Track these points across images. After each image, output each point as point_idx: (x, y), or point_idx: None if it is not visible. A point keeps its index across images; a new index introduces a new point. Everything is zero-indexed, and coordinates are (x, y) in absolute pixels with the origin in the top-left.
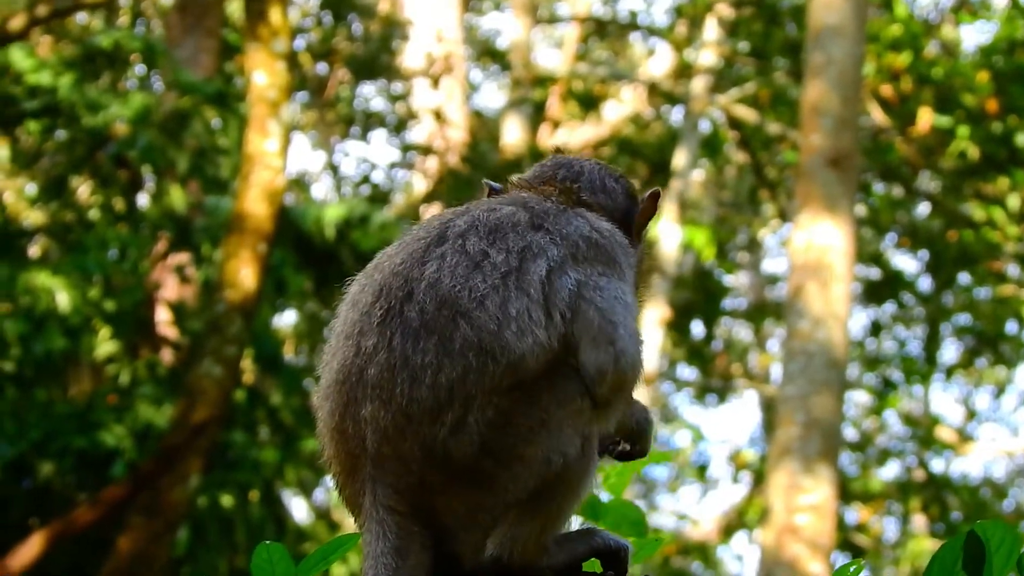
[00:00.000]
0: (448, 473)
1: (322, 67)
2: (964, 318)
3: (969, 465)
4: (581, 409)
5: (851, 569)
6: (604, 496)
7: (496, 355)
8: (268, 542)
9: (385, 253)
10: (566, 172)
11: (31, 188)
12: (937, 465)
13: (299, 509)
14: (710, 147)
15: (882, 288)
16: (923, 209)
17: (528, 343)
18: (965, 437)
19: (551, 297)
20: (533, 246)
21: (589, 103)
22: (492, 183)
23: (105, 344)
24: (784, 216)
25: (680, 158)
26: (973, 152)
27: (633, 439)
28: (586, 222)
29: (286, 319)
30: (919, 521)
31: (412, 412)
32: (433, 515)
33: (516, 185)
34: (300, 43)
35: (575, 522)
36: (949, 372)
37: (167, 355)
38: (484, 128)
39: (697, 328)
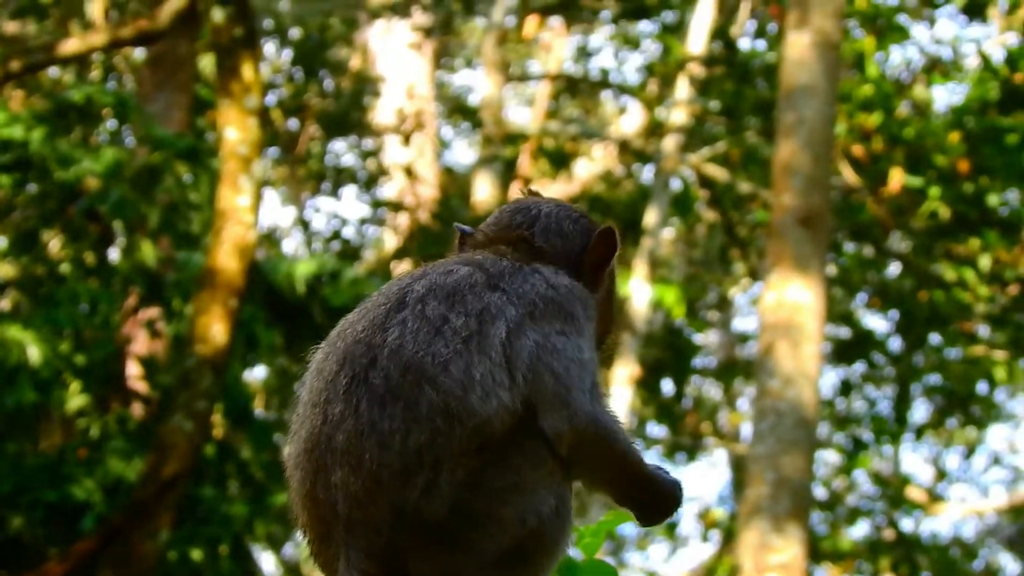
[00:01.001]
0: (420, 535)
1: (293, 123)
2: (934, 378)
3: (939, 525)
4: (554, 470)
5: None
6: (578, 556)
7: (463, 419)
8: None
9: (347, 320)
10: (522, 218)
11: (1, 241)
12: (907, 525)
13: (268, 563)
14: (681, 205)
15: (852, 348)
16: (894, 269)
17: (493, 406)
18: (935, 497)
19: (512, 359)
20: (492, 307)
21: (560, 160)
22: (463, 227)
23: (75, 398)
24: (755, 275)
25: (651, 216)
26: (944, 212)
27: (638, 506)
28: (542, 279)
29: (256, 374)
30: None
31: (382, 477)
32: None
33: (474, 241)
34: (272, 99)
35: None
36: (919, 432)
37: (137, 409)
38: (455, 184)
39: (667, 386)
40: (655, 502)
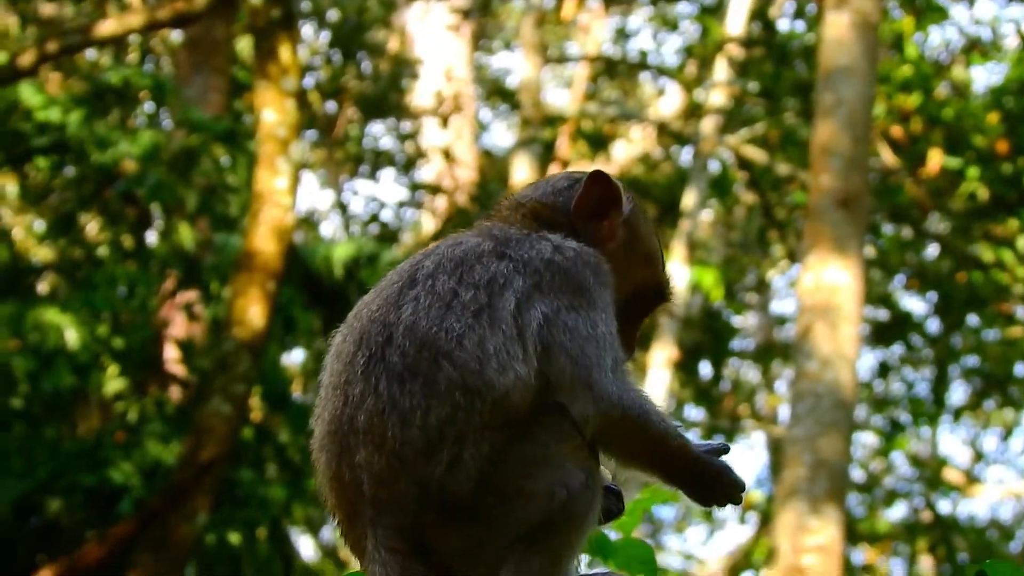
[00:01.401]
0: (445, 510)
1: (331, 105)
2: (972, 360)
3: (976, 507)
4: (581, 444)
5: None
6: (613, 535)
7: (483, 392)
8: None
9: (363, 301)
10: (531, 190)
11: (40, 225)
12: (944, 506)
13: (306, 547)
14: (719, 187)
15: (890, 329)
16: (932, 250)
17: (511, 379)
18: (972, 479)
19: (523, 331)
20: (499, 277)
21: (598, 143)
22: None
23: (113, 381)
24: (793, 257)
25: (689, 198)
26: (983, 193)
27: (687, 488)
28: (549, 244)
29: (294, 357)
30: (926, 562)
31: (405, 454)
32: (434, 553)
33: (491, 215)
34: (309, 81)
35: (585, 562)
36: (957, 414)
37: (175, 392)
38: (493, 167)
39: (705, 369)
40: (703, 484)
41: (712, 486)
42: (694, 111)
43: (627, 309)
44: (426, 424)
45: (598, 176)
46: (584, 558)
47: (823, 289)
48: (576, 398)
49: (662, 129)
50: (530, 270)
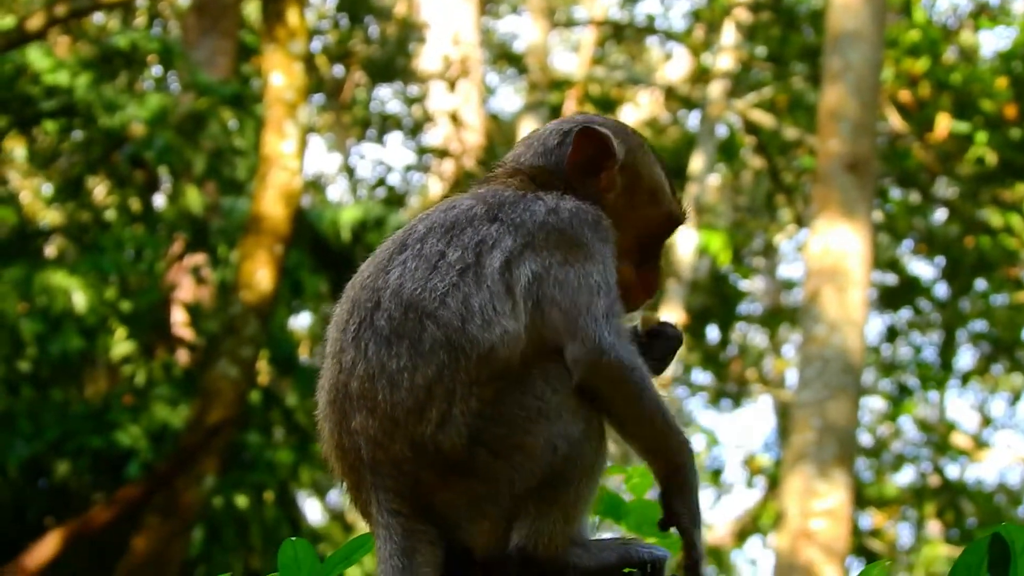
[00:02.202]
0: (441, 468)
1: (339, 69)
2: (980, 324)
3: (984, 471)
4: (576, 396)
5: (875, 571)
6: (626, 496)
7: (467, 349)
8: (294, 538)
9: (360, 269)
10: (523, 148)
11: (47, 188)
12: (952, 471)
13: (313, 510)
14: (727, 152)
15: (898, 294)
16: (940, 215)
17: (496, 334)
18: (980, 443)
19: (512, 287)
20: (488, 239)
21: (606, 107)
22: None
23: (121, 344)
24: (800, 221)
25: (697, 162)
26: (991, 158)
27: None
28: (543, 205)
29: (302, 321)
30: (934, 527)
31: (397, 416)
32: (435, 511)
33: (489, 177)
34: (317, 45)
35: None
36: (965, 378)
37: (183, 356)
38: (500, 131)
39: (712, 333)
40: (662, 451)
41: (673, 455)
42: (701, 75)
43: (643, 247)
44: (414, 384)
45: (586, 132)
46: (595, 520)
47: (831, 253)
48: (566, 344)
49: (669, 93)
50: (522, 232)
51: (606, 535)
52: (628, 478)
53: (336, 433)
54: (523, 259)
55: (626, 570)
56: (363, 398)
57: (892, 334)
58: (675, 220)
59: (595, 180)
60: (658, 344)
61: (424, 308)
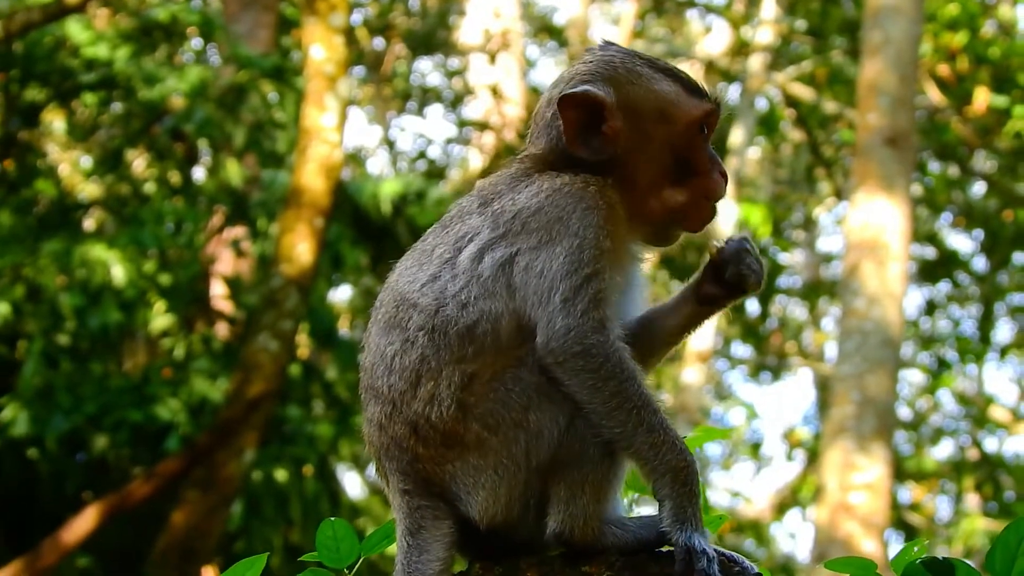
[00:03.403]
0: (436, 443)
1: (379, 42)
2: (1019, 298)
3: (1022, 445)
4: None
5: (914, 550)
6: None
7: (446, 329)
8: (333, 518)
9: None
10: (533, 126)
11: (87, 161)
12: (990, 444)
13: (353, 484)
14: (767, 125)
15: (937, 267)
16: (979, 189)
17: (473, 312)
18: (1019, 417)
19: (483, 273)
20: (469, 232)
21: None
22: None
23: (160, 318)
24: (840, 195)
25: (737, 136)
26: None
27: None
28: (530, 189)
29: (342, 294)
30: (972, 500)
31: (394, 398)
32: (437, 486)
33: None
34: (357, 18)
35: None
36: (1003, 352)
37: (222, 329)
38: None
39: (752, 306)
40: (637, 451)
41: (662, 476)
42: (741, 49)
43: (685, 160)
44: (404, 367)
45: (564, 101)
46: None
47: (870, 227)
48: (537, 333)
49: (710, 67)
50: (501, 220)
51: (644, 511)
52: None
53: (364, 424)
54: (494, 247)
55: (664, 548)
56: (371, 387)
57: (931, 307)
58: (699, 119)
59: (600, 137)
60: (730, 270)
61: (409, 298)
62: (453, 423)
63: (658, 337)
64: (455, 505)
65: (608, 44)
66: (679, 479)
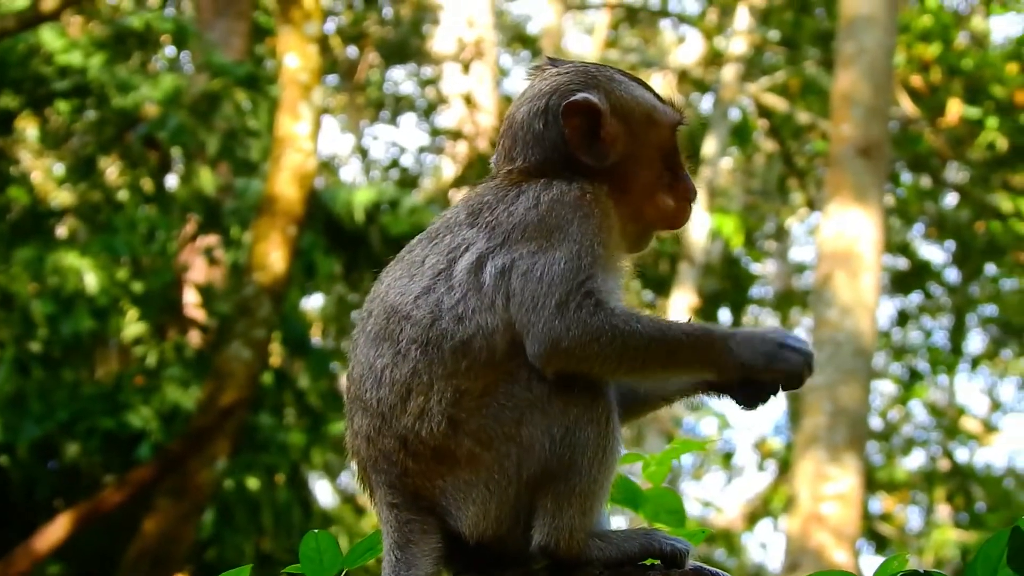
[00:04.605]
0: (426, 458)
1: (353, 51)
2: (990, 309)
3: (993, 455)
4: (572, 384)
5: (895, 563)
6: (643, 484)
7: (440, 343)
8: (316, 531)
9: None
10: (511, 140)
11: (60, 168)
12: (962, 455)
13: (325, 492)
14: (740, 135)
15: (909, 278)
16: (951, 200)
17: (469, 327)
18: (990, 427)
19: (483, 285)
20: (463, 244)
21: None
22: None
23: (133, 325)
24: (813, 205)
25: (709, 146)
26: (1002, 143)
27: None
28: (525, 200)
29: (314, 302)
30: (943, 511)
31: (383, 412)
32: (426, 500)
33: (485, 179)
34: (331, 26)
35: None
36: (975, 362)
37: (195, 337)
38: None
39: (724, 316)
40: (690, 368)
41: (748, 360)
42: (714, 59)
43: (667, 165)
44: (394, 381)
45: (570, 108)
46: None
47: (843, 237)
48: (527, 341)
49: (683, 77)
50: (498, 231)
51: (624, 524)
52: (645, 466)
53: (348, 436)
54: (494, 256)
55: (648, 561)
56: (359, 399)
57: (903, 318)
58: (677, 124)
59: (599, 142)
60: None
61: (401, 311)
62: (444, 439)
63: (653, 397)
64: (444, 519)
65: (556, 61)
66: (731, 347)
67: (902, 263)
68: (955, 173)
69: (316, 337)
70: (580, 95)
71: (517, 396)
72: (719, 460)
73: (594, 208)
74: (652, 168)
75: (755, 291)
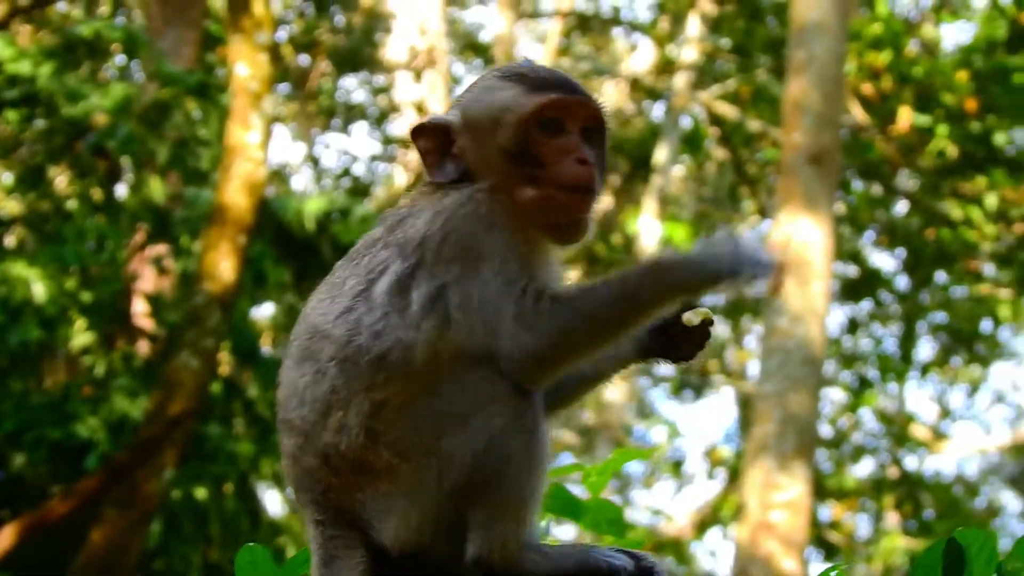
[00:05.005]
0: (347, 472)
1: (304, 59)
2: (940, 316)
3: (942, 463)
4: (498, 395)
5: (832, 574)
6: (583, 494)
7: (357, 359)
8: (252, 544)
9: None
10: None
11: (8, 177)
12: (911, 463)
13: (274, 502)
14: (691, 143)
15: (859, 286)
16: (901, 207)
17: (387, 341)
18: (939, 435)
19: (408, 307)
20: (379, 264)
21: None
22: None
23: (81, 335)
24: (764, 213)
25: (661, 154)
26: (952, 151)
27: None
28: (426, 214)
29: (264, 311)
30: (892, 518)
31: (305, 430)
32: (349, 514)
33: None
34: (282, 35)
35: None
36: (924, 370)
37: (143, 347)
38: None
39: None
40: (657, 303)
41: (716, 264)
42: (666, 67)
43: (535, 157)
44: (315, 398)
45: (415, 133)
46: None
47: (793, 245)
48: (501, 362)
49: (635, 84)
50: (409, 249)
51: (561, 537)
52: (586, 476)
53: (282, 457)
54: (416, 280)
55: None
56: (285, 421)
57: (853, 326)
58: (531, 114)
59: (455, 158)
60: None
61: (322, 331)
62: (362, 451)
63: (588, 378)
64: (367, 533)
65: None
66: (687, 269)
67: (852, 271)
68: (906, 181)
69: (266, 346)
70: (429, 118)
71: (437, 409)
72: (669, 468)
73: (494, 214)
74: (500, 167)
75: (706, 299)
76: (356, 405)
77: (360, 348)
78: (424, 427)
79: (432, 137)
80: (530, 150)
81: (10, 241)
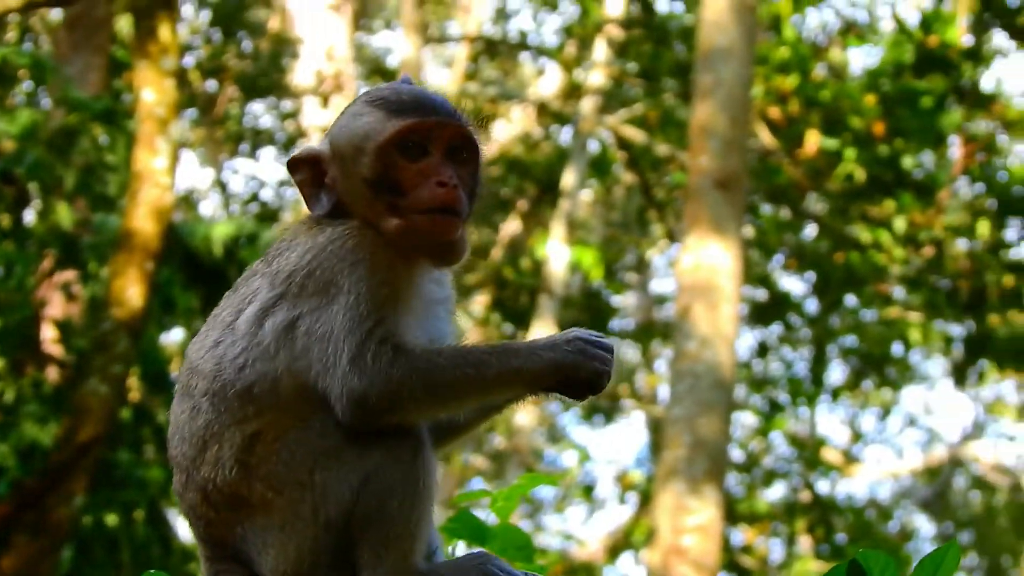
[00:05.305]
0: (223, 506)
1: (211, 84)
2: (851, 340)
3: (854, 487)
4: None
5: None
6: (490, 520)
7: (225, 393)
8: (153, 571)
9: None
10: None
11: None
12: (823, 486)
13: (185, 528)
14: (599, 167)
15: (769, 309)
16: (810, 231)
17: (251, 374)
18: (851, 459)
19: (264, 338)
20: (249, 295)
21: (479, 122)
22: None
23: None
24: (672, 237)
25: (569, 178)
26: (860, 175)
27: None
28: (298, 248)
29: (173, 337)
30: (805, 542)
31: (186, 465)
32: (230, 548)
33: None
34: (189, 60)
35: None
36: (835, 394)
37: (52, 373)
38: None
39: None
40: (500, 392)
41: (565, 381)
42: (574, 91)
43: (402, 182)
44: (193, 434)
45: (290, 166)
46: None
47: (702, 269)
48: (334, 406)
49: (542, 109)
50: (277, 280)
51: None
52: (493, 501)
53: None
54: (276, 309)
55: None
56: (172, 458)
57: (763, 349)
58: (389, 140)
59: (328, 189)
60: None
61: (195, 366)
62: (236, 484)
63: (481, 410)
64: (249, 567)
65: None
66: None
67: (762, 294)
68: (814, 204)
69: (175, 372)
70: (302, 150)
71: (311, 443)
72: (581, 493)
73: (361, 250)
74: (364, 196)
75: (615, 323)
76: (229, 439)
77: (227, 382)
78: (296, 461)
79: (305, 169)
80: (390, 177)
81: None
